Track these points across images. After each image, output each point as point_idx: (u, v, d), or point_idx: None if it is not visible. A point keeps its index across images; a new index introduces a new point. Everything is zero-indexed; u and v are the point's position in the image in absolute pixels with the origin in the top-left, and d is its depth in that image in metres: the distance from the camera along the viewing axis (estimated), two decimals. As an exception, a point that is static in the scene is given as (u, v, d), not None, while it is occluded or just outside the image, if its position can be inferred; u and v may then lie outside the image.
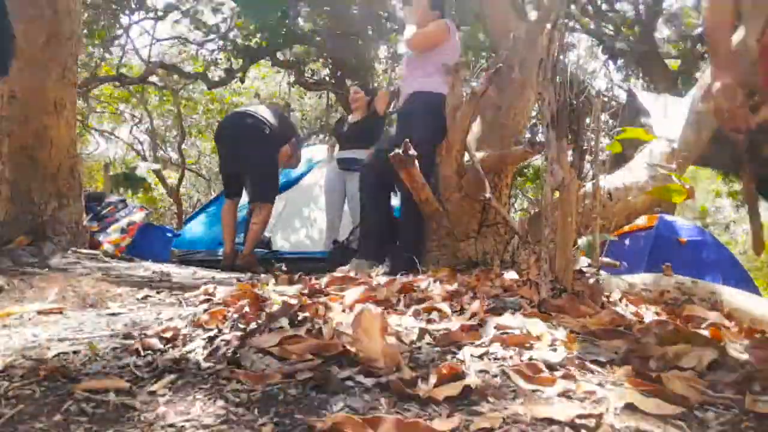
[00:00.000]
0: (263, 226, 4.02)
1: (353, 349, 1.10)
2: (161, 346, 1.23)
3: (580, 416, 0.80)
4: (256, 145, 3.88)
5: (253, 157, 3.87)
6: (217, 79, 10.14)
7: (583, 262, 1.88)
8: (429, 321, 1.39)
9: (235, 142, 3.94)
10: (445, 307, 1.48)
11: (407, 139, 2.43)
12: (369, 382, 0.97)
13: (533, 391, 0.94)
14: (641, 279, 1.80)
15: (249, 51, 8.06)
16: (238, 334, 1.25)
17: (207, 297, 1.83)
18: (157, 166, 10.11)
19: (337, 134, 4.74)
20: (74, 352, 1.21)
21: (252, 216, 4.07)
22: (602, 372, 1.03)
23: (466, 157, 2.70)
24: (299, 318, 1.35)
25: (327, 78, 10.21)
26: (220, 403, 0.91)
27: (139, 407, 0.89)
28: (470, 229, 2.74)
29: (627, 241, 4.95)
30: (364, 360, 1.02)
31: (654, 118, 2.86)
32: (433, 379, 0.95)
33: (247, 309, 1.46)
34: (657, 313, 1.54)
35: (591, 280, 1.61)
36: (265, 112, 4.11)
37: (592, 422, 0.79)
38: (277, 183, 4.21)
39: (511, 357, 1.09)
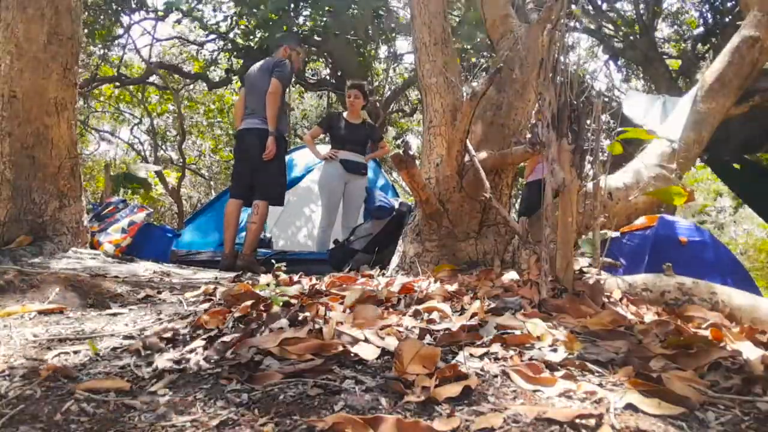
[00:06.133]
0: (261, 224, 4.02)
1: (353, 350, 1.10)
2: (162, 346, 1.23)
3: (580, 416, 0.80)
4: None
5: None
6: (217, 79, 10.16)
7: (584, 262, 1.88)
8: (429, 321, 1.39)
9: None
10: (445, 307, 1.48)
11: (407, 140, 2.43)
12: (369, 382, 0.97)
13: (534, 391, 0.94)
14: (641, 279, 1.79)
15: (249, 51, 8.06)
16: (239, 334, 1.25)
17: (207, 297, 1.84)
18: (157, 168, 10.08)
19: (334, 130, 4.67)
20: (75, 352, 1.21)
21: (250, 215, 4.08)
22: (603, 372, 1.03)
23: (467, 157, 2.70)
24: (299, 318, 1.35)
25: (327, 78, 10.21)
26: (221, 403, 0.91)
27: (139, 407, 0.89)
28: (470, 229, 2.74)
29: (627, 241, 4.95)
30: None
31: (647, 123, 2.87)
32: (433, 379, 0.95)
33: (247, 309, 1.47)
34: (657, 314, 1.54)
35: (591, 281, 1.61)
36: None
37: (592, 422, 0.79)
38: (282, 182, 4.24)
39: (511, 357, 1.09)
